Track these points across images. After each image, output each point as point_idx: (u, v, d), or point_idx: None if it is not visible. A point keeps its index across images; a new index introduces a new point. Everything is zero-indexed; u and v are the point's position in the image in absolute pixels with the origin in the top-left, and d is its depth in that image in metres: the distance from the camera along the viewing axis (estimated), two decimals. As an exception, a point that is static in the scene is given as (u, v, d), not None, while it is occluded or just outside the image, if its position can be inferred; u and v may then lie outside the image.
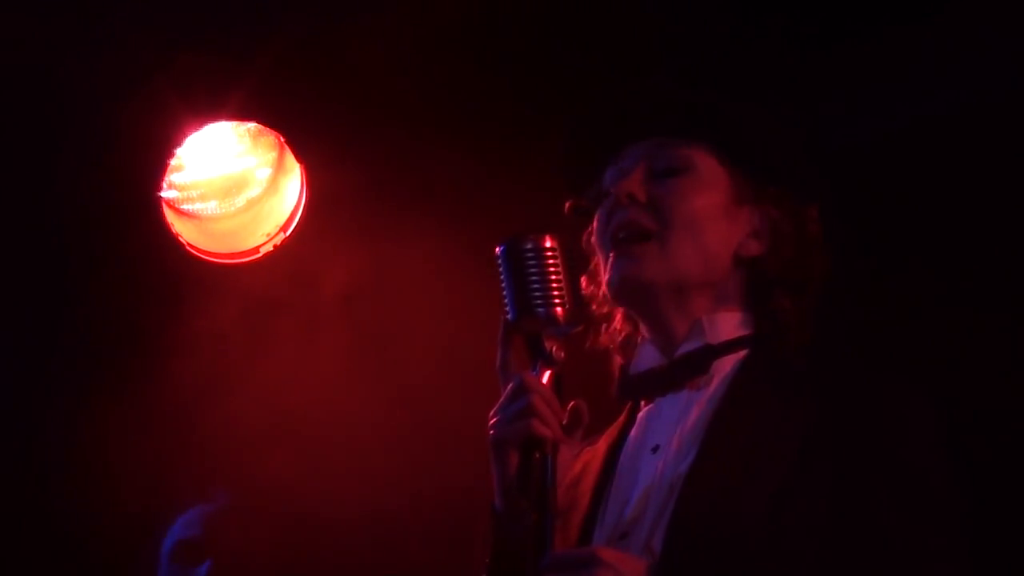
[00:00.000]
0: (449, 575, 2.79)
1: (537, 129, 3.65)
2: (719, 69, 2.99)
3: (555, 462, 2.58)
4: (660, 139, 2.82)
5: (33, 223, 4.29)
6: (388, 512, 4.43)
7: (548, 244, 2.65)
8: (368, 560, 4.47)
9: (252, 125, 4.33)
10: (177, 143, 4.23)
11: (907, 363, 2.81)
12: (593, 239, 2.83)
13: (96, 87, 4.05)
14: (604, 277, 2.76)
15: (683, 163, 2.80)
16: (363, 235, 4.30)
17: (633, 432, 2.76)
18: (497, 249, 2.67)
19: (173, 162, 4.27)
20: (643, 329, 2.82)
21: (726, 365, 2.73)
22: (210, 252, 4.38)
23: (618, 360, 2.87)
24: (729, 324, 2.76)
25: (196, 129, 4.23)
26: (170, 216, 4.31)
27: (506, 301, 2.66)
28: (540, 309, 2.64)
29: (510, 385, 2.62)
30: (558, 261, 2.65)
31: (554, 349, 2.65)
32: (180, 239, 4.32)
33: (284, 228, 4.39)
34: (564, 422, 2.62)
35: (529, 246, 2.65)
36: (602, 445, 2.80)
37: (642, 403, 2.80)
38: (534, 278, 2.64)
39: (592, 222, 2.85)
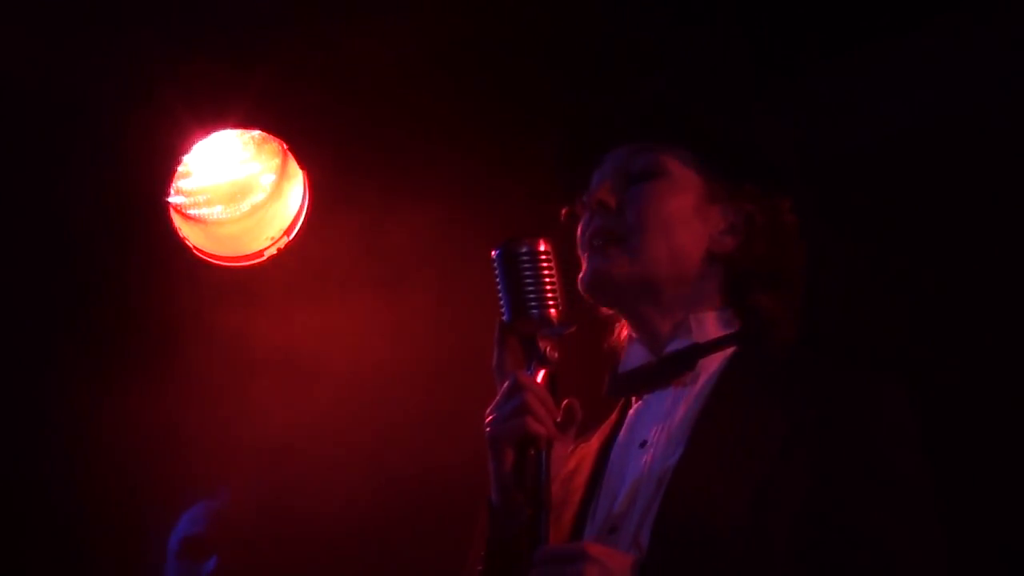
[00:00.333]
0: (450, 570, 2.78)
1: (538, 135, 3.66)
2: (712, 84, 2.99)
3: (549, 458, 2.58)
4: (636, 145, 2.82)
5: (48, 226, 4.29)
6: (391, 509, 4.42)
7: (542, 248, 2.66)
8: (371, 556, 4.47)
9: (256, 133, 4.33)
10: (184, 150, 4.23)
11: (887, 361, 2.79)
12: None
13: (107, 97, 4.06)
14: (579, 276, 2.76)
15: (655, 167, 2.79)
16: (364, 239, 4.30)
17: (623, 429, 2.77)
18: (493, 253, 2.68)
19: (180, 169, 4.28)
20: (629, 328, 2.82)
21: (713, 363, 2.73)
22: (216, 255, 4.38)
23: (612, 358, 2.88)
24: (715, 322, 2.76)
25: (202, 137, 4.23)
26: (177, 220, 4.32)
27: (502, 303, 2.66)
28: (534, 310, 2.64)
29: (506, 384, 2.62)
30: (552, 264, 2.65)
31: (548, 349, 2.65)
32: (187, 243, 4.33)
33: (287, 232, 4.40)
34: (558, 420, 2.62)
35: (524, 250, 2.65)
36: (595, 441, 2.80)
37: (633, 400, 2.80)
38: (529, 281, 2.64)
39: None
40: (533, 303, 2.64)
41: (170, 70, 4.07)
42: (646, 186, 2.78)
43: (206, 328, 4.33)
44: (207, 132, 4.24)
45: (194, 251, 4.34)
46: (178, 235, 4.31)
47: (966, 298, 3.95)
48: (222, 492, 4.39)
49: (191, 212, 4.36)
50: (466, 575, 2.68)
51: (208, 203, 4.39)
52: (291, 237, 4.38)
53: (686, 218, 2.77)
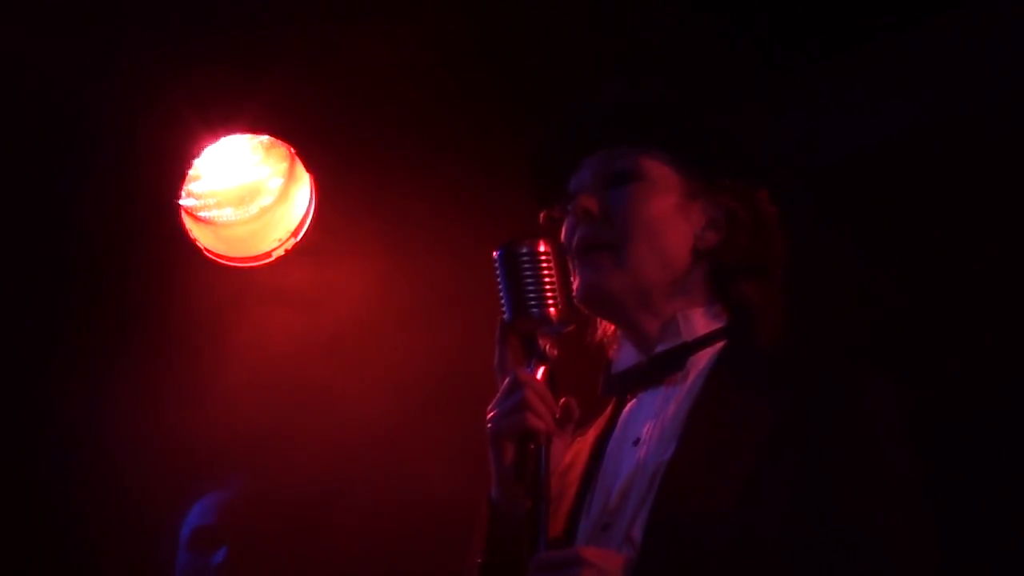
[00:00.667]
0: (454, 561, 2.78)
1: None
2: (685, 83, 2.97)
3: (548, 453, 2.58)
4: (612, 149, 2.80)
5: (62, 228, 4.30)
6: (399, 500, 4.41)
7: (542, 248, 2.66)
8: (381, 547, 4.46)
9: (265, 137, 4.33)
10: (195, 155, 4.24)
11: (874, 357, 2.78)
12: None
13: (120, 103, 4.06)
14: (573, 286, 2.74)
15: (633, 170, 2.77)
16: (369, 240, 4.30)
17: (618, 426, 2.76)
18: (494, 253, 2.68)
19: (191, 172, 4.28)
20: (620, 330, 2.81)
21: (701, 360, 2.72)
22: (225, 256, 4.38)
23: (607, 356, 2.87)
24: (702, 319, 2.75)
25: (212, 141, 4.24)
26: (188, 222, 4.32)
27: (503, 302, 2.67)
28: (534, 309, 2.65)
29: (506, 381, 2.62)
30: (551, 264, 2.66)
31: (547, 347, 2.66)
32: (197, 244, 4.33)
33: (295, 234, 4.40)
34: (557, 416, 2.62)
35: (524, 250, 2.66)
36: (590, 437, 2.80)
37: (627, 397, 2.79)
38: (529, 280, 2.65)
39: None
40: (533, 302, 2.64)
41: (181, 76, 4.07)
42: (627, 190, 2.76)
43: (215, 325, 4.33)
44: (217, 137, 4.24)
45: (204, 252, 4.34)
46: (189, 236, 4.31)
47: (960, 298, 3.94)
48: (232, 483, 4.38)
49: (201, 214, 4.36)
50: (466, 566, 2.67)
51: (218, 206, 4.39)
52: (298, 238, 4.38)
53: (669, 219, 2.76)
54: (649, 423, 2.68)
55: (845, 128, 4.13)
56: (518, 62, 4.07)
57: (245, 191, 4.40)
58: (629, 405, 2.76)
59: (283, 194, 4.41)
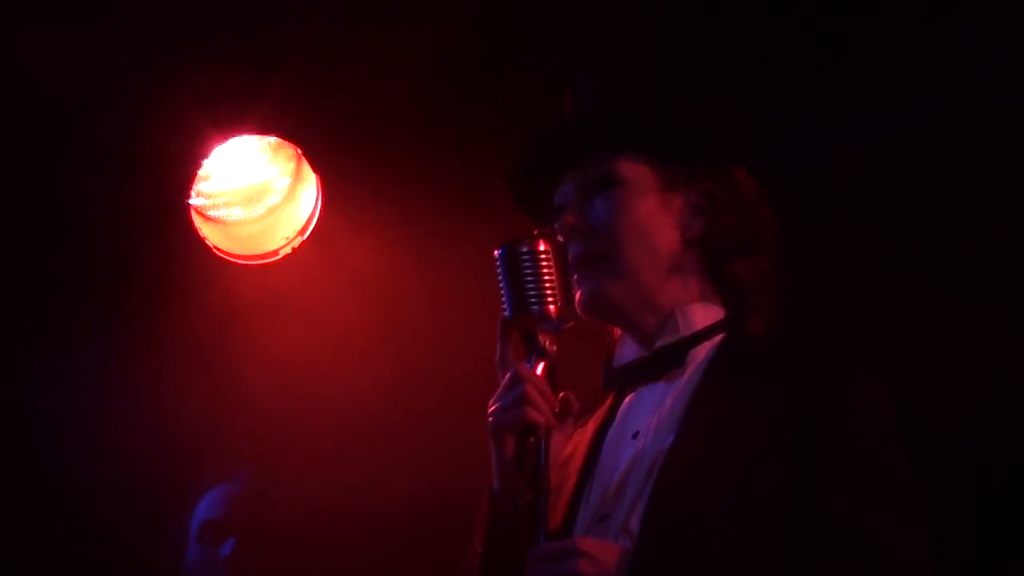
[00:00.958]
0: (456, 554, 2.78)
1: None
2: (647, 81, 2.95)
3: (548, 446, 2.58)
4: (587, 157, 2.79)
5: (77, 227, 4.30)
6: (406, 497, 4.40)
7: (542, 247, 2.66)
8: (385, 543, 4.45)
9: (272, 139, 4.34)
10: (204, 156, 4.24)
11: (867, 354, 2.78)
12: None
13: (132, 106, 4.06)
14: (575, 297, 2.73)
15: (610, 175, 2.77)
16: (373, 238, 4.30)
17: (617, 419, 2.76)
18: (495, 252, 2.68)
19: (201, 173, 4.28)
20: (621, 329, 2.81)
21: (700, 353, 2.72)
22: (234, 254, 4.39)
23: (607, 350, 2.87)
24: (700, 313, 2.75)
25: (221, 142, 4.23)
26: (198, 221, 4.33)
27: (504, 299, 2.67)
28: (534, 307, 2.65)
29: (507, 376, 2.62)
30: (551, 263, 2.65)
31: (547, 343, 2.66)
32: (207, 242, 4.34)
33: (301, 232, 4.40)
34: (556, 410, 2.62)
35: (524, 249, 2.66)
36: (590, 429, 2.79)
37: (628, 391, 2.78)
38: (529, 279, 2.65)
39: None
40: (533, 300, 2.64)
41: (191, 80, 4.08)
42: (608, 197, 2.76)
43: (223, 321, 4.33)
44: (226, 138, 4.24)
45: (213, 250, 4.35)
46: (199, 235, 4.32)
47: (950, 296, 3.94)
48: (240, 477, 4.38)
49: (211, 213, 4.37)
50: (468, 557, 2.67)
51: (227, 205, 4.39)
52: (305, 237, 4.38)
53: (654, 217, 2.75)
54: (648, 417, 2.68)
55: (839, 130, 4.12)
56: (522, 66, 4.06)
57: (253, 191, 4.40)
58: (628, 399, 2.76)
59: (290, 194, 4.41)
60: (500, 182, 2.94)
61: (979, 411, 3.84)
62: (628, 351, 2.79)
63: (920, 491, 2.56)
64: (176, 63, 4.06)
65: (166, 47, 4.04)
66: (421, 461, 4.34)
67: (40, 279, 4.39)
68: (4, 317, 4.45)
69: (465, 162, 4.14)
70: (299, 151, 4.34)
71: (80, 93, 4.05)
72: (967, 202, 3.93)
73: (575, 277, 2.73)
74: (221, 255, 4.36)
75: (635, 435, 2.67)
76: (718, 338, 2.73)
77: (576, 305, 2.73)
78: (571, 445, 2.76)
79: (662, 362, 2.72)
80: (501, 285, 2.67)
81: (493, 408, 2.61)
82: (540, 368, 2.63)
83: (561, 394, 2.66)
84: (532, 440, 2.57)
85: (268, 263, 4.40)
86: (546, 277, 2.64)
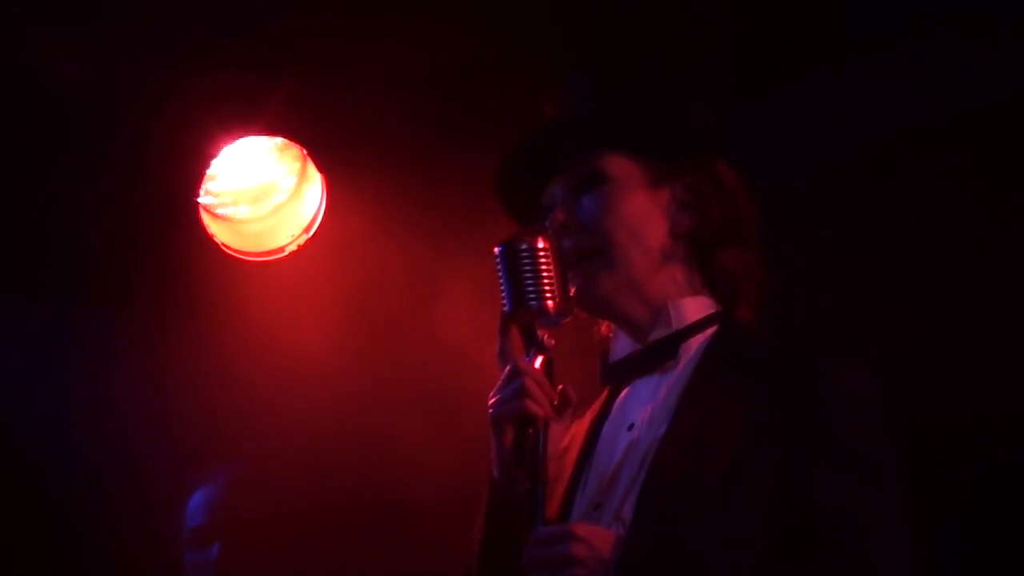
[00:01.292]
0: (453, 544, 2.78)
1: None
2: (625, 82, 2.95)
3: (546, 437, 2.58)
4: (573, 158, 2.78)
5: (91, 223, 4.30)
6: (396, 495, 4.40)
7: (541, 244, 2.66)
8: (374, 537, 4.44)
9: (279, 139, 4.33)
10: (213, 156, 4.24)
11: (856, 346, 2.77)
12: None
13: (144, 108, 4.07)
14: (571, 293, 2.73)
15: (597, 173, 2.77)
16: (376, 236, 4.31)
17: (613, 411, 2.76)
18: (496, 249, 2.68)
19: (209, 172, 4.28)
20: (616, 324, 2.82)
21: (692, 346, 2.72)
22: (241, 251, 4.39)
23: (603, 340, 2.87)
24: (692, 306, 2.75)
25: (230, 143, 4.24)
26: (206, 219, 4.33)
27: (503, 295, 2.67)
28: (533, 302, 2.64)
29: (507, 369, 2.62)
30: (549, 259, 2.65)
31: (545, 337, 2.66)
32: (215, 239, 4.34)
33: (307, 230, 4.40)
34: (554, 402, 2.62)
35: (524, 246, 2.65)
36: (586, 421, 2.80)
37: (624, 385, 2.79)
38: (528, 275, 2.64)
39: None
40: (532, 295, 2.64)
41: (200, 83, 4.08)
42: (596, 195, 2.76)
43: (230, 315, 4.33)
44: (234, 139, 4.24)
45: (221, 247, 4.35)
46: (207, 232, 4.32)
47: (938, 292, 3.94)
48: (219, 476, 4.35)
49: (219, 211, 4.36)
50: (468, 545, 2.68)
51: (234, 203, 4.39)
52: (310, 234, 4.38)
53: (643, 212, 2.76)
54: (643, 408, 2.68)
55: (838, 128, 4.12)
56: (514, 69, 4.06)
57: (260, 190, 4.40)
58: (624, 392, 2.76)
59: (296, 193, 4.41)
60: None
61: (974, 405, 3.84)
62: (622, 346, 2.79)
63: (906, 479, 2.56)
64: (185, 67, 4.06)
65: (176, 52, 4.04)
66: (423, 456, 4.33)
67: (54, 273, 4.40)
68: (17, 310, 4.46)
69: (466, 162, 4.12)
70: (305, 151, 4.34)
71: (94, 96, 4.06)
72: (960, 200, 3.92)
73: (569, 272, 2.73)
74: (228, 252, 4.36)
75: (630, 427, 2.68)
76: (710, 331, 2.74)
77: (573, 299, 2.73)
78: (569, 436, 2.76)
79: (656, 355, 2.72)
80: (501, 281, 2.66)
81: (493, 400, 2.61)
82: (539, 362, 2.63)
83: (559, 387, 2.66)
84: (531, 431, 2.57)
85: (274, 259, 4.41)
86: (544, 273, 2.64)
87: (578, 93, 2.83)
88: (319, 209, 4.39)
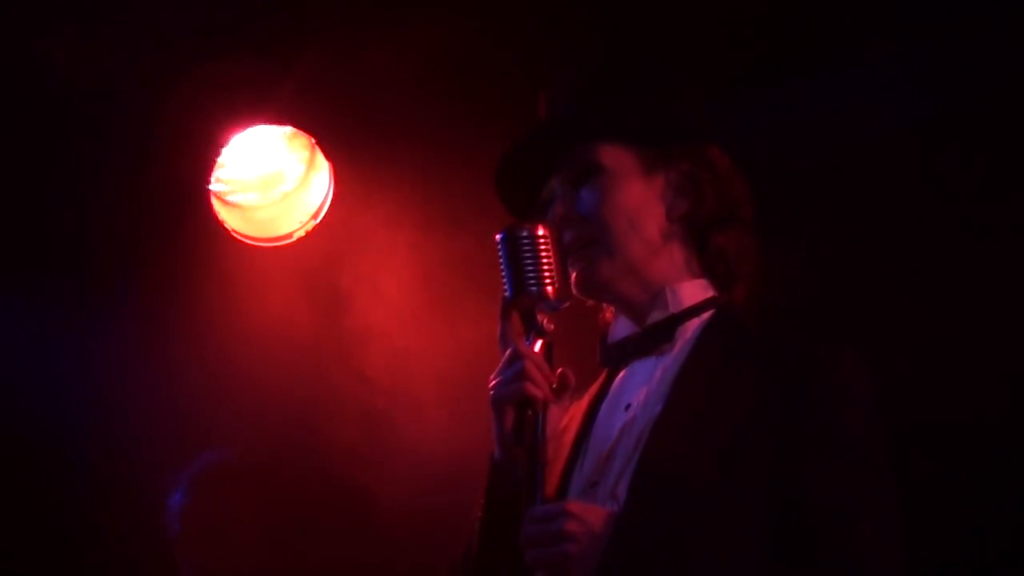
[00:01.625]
0: (450, 527, 2.79)
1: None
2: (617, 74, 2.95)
3: (545, 418, 2.59)
4: (568, 154, 2.79)
5: (106, 210, 4.31)
6: (411, 477, 4.38)
7: (541, 232, 2.67)
8: (384, 531, 4.43)
9: (288, 129, 4.34)
10: (224, 144, 4.24)
11: (847, 333, 2.78)
12: None
13: (158, 98, 4.08)
14: (571, 279, 2.75)
15: (594, 164, 2.77)
16: (382, 223, 4.31)
17: (610, 393, 2.77)
18: (497, 236, 2.69)
19: (220, 160, 4.28)
20: (615, 307, 2.83)
21: (689, 329, 2.72)
22: (251, 236, 4.40)
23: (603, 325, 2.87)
24: (688, 290, 2.76)
25: (240, 132, 4.24)
26: (217, 206, 4.34)
27: (504, 281, 2.68)
28: (533, 288, 2.66)
29: (507, 352, 2.63)
30: (549, 247, 2.67)
31: (545, 322, 2.67)
32: (225, 225, 4.35)
33: (314, 216, 4.41)
34: (553, 385, 2.63)
35: (524, 234, 2.67)
36: (584, 402, 2.81)
37: (621, 366, 2.79)
38: (528, 261, 2.66)
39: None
40: (532, 281, 2.65)
41: (212, 74, 4.09)
42: (594, 186, 2.76)
43: (240, 298, 4.34)
44: (244, 128, 4.24)
45: (231, 233, 4.36)
46: (217, 218, 4.33)
47: (923, 283, 3.94)
48: (186, 485, 4.31)
49: (229, 198, 4.37)
50: (469, 522, 2.69)
51: (244, 190, 4.40)
52: (317, 221, 4.39)
53: (639, 199, 2.76)
54: (639, 389, 2.69)
55: (828, 126, 4.12)
56: (517, 63, 4.06)
57: (269, 178, 4.40)
58: (622, 373, 2.77)
59: (304, 180, 4.42)
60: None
61: (961, 393, 3.84)
62: (621, 328, 2.80)
63: (893, 463, 2.57)
64: (196, 58, 4.07)
65: (188, 44, 4.06)
66: (427, 439, 4.32)
67: (70, 258, 4.41)
68: (32, 293, 4.47)
69: (469, 151, 4.13)
70: (313, 140, 4.35)
71: (108, 87, 4.07)
72: (954, 196, 3.93)
73: (569, 260, 2.74)
74: (238, 237, 4.37)
75: (627, 407, 2.69)
76: (706, 315, 2.74)
77: (571, 286, 2.75)
78: (567, 417, 2.77)
79: (653, 338, 2.73)
80: (502, 267, 2.68)
81: (494, 382, 2.62)
82: (538, 345, 2.64)
83: (558, 370, 2.67)
84: (530, 413, 2.58)
85: (282, 245, 4.41)
86: (544, 260, 2.65)
87: (571, 88, 2.83)
88: (326, 197, 4.39)
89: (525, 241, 2.65)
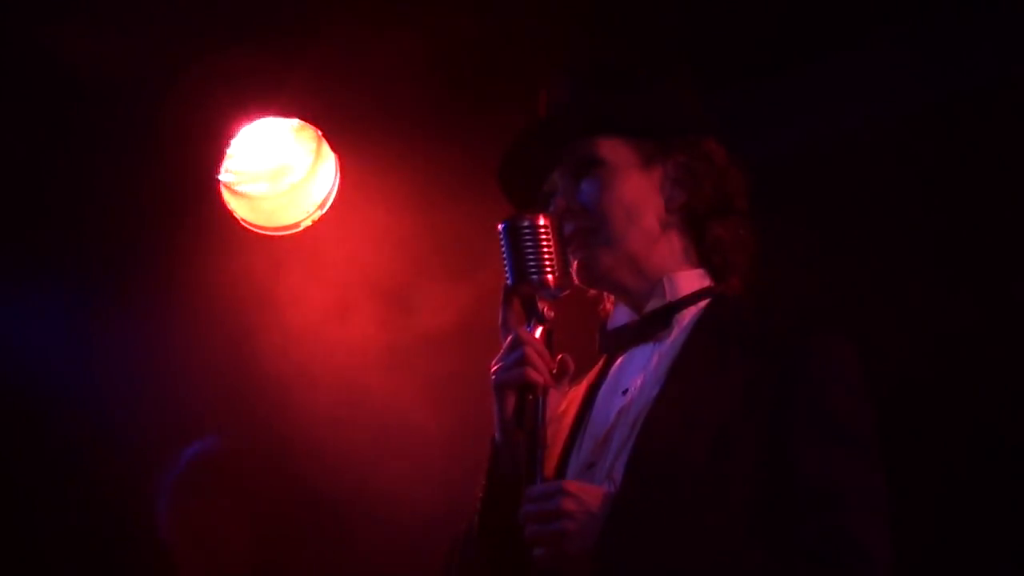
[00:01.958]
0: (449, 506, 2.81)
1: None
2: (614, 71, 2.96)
3: (545, 403, 2.61)
4: (569, 148, 2.81)
5: (119, 199, 4.32)
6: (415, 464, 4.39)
7: (542, 222, 2.69)
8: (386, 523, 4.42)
9: (295, 121, 4.35)
10: (233, 136, 4.26)
11: (836, 318, 2.79)
12: None
13: (170, 92, 4.08)
14: (572, 269, 2.77)
15: (594, 157, 2.78)
16: (386, 213, 4.32)
17: (608, 377, 2.79)
18: (499, 226, 2.71)
19: (229, 152, 4.30)
20: (615, 295, 2.85)
21: (686, 317, 2.74)
22: (259, 225, 4.40)
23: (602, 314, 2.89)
24: (686, 279, 2.78)
25: (249, 125, 4.25)
26: (227, 196, 4.34)
27: (506, 269, 2.70)
28: (534, 276, 2.67)
29: (509, 338, 2.65)
30: (550, 236, 2.68)
31: (545, 309, 2.69)
32: (235, 215, 4.36)
33: (321, 207, 4.42)
34: (553, 370, 2.65)
35: (526, 223, 2.68)
36: (583, 387, 2.83)
37: (619, 353, 2.82)
38: (529, 250, 2.67)
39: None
40: (533, 269, 2.67)
41: (222, 68, 4.10)
42: (594, 178, 2.78)
43: (250, 286, 4.35)
44: (253, 121, 4.26)
45: (240, 222, 4.37)
46: (227, 208, 4.34)
47: (906, 271, 3.95)
48: (169, 484, 4.31)
49: (238, 188, 4.37)
50: (470, 503, 2.71)
51: (253, 181, 4.40)
52: (324, 210, 4.40)
53: (638, 192, 2.78)
54: (637, 374, 2.71)
55: (812, 120, 4.13)
56: (520, 56, 4.06)
57: (277, 168, 4.41)
58: (620, 359, 2.79)
59: (311, 171, 4.43)
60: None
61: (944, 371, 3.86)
62: (620, 316, 2.82)
63: (883, 445, 2.59)
64: (207, 54, 4.08)
65: (198, 40, 4.07)
66: (426, 433, 4.33)
67: (84, 246, 4.42)
68: (44, 280, 4.48)
69: (470, 143, 4.14)
70: (319, 133, 4.36)
71: (122, 80, 4.08)
72: (945, 185, 3.94)
73: (570, 250, 2.76)
74: (247, 226, 4.38)
75: (624, 392, 2.71)
76: (703, 303, 2.76)
77: (573, 275, 2.77)
78: (566, 401, 2.79)
79: (651, 325, 2.75)
80: (504, 256, 2.69)
81: (496, 368, 2.64)
82: (539, 332, 2.66)
83: (558, 356, 2.69)
84: (531, 397, 2.60)
85: (290, 234, 4.43)
86: (545, 249, 2.67)
87: (571, 84, 2.84)
88: (332, 187, 4.41)
89: (526, 231, 2.67)
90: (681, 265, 2.79)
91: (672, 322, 2.74)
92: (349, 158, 4.38)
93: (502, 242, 2.70)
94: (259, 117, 4.26)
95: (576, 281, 2.78)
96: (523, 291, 2.69)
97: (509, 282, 2.70)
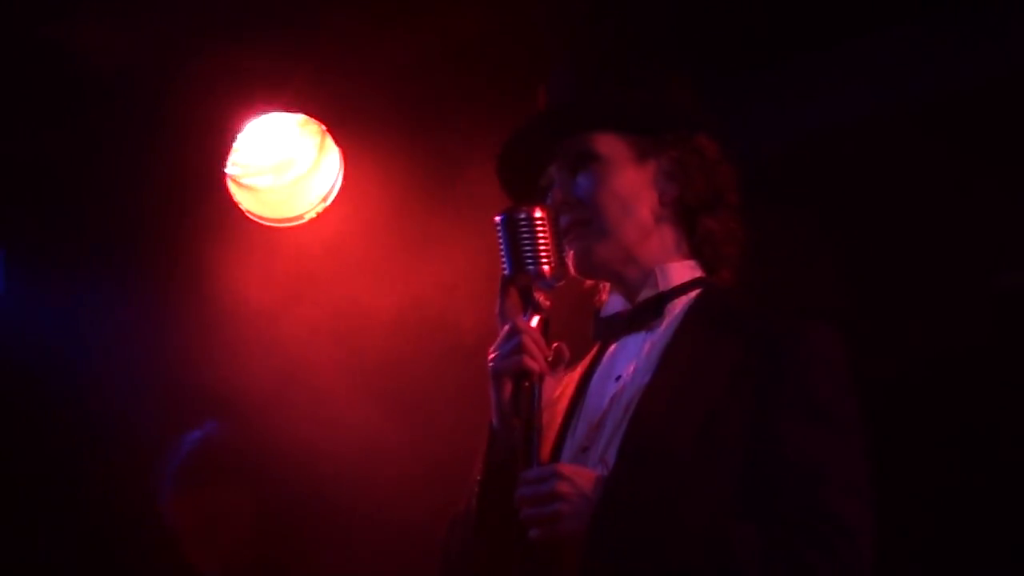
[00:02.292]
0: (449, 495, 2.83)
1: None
2: (611, 67, 2.97)
3: (541, 389, 2.64)
4: (566, 140, 2.82)
5: (127, 191, 4.34)
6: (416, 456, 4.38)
7: (538, 214, 2.71)
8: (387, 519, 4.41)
9: (300, 116, 4.36)
10: (239, 130, 4.27)
11: (823, 311, 2.81)
12: None
13: (178, 85, 4.11)
14: (568, 259, 2.78)
15: (589, 151, 2.80)
16: (389, 206, 4.33)
17: (602, 364, 2.81)
18: (497, 218, 2.73)
19: (235, 145, 4.31)
20: (609, 284, 2.87)
21: (677, 306, 2.76)
22: (264, 217, 4.41)
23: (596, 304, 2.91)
24: (677, 270, 2.79)
25: (254, 119, 4.27)
26: (233, 188, 4.36)
27: (504, 260, 2.72)
28: (531, 267, 2.70)
29: (506, 327, 2.68)
30: (546, 228, 2.71)
31: (542, 299, 2.71)
32: (241, 207, 4.37)
33: (324, 199, 4.43)
34: (549, 358, 2.68)
35: (523, 215, 2.71)
36: (577, 373, 2.85)
37: (612, 340, 2.83)
38: (526, 241, 2.70)
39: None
40: (530, 260, 2.69)
41: (230, 63, 4.11)
42: (589, 172, 2.79)
43: (254, 275, 4.37)
44: (259, 115, 4.27)
45: (246, 214, 4.38)
46: (233, 200, 4.36)
47: (892, 264, 3.97)
48: (165, 479, 4.29)
49: (244, 181, 4.39)
50: (468, 487, 2.73)
51: (258, 174, 4.41)
52: (328, 203, 4.42)
53: (632, 185, 2.79)
54: (629, 361, 2.73)
55: (797, 116, 4.14)
56: (522, 53, 4.07)
57: (282, 162, 4.42)
58: (613, 347, 2.80)
59: (315, 165, 4.44)
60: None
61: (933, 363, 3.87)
62: (614, 305, 2.84)
63: (867, 433, 2.60)
64: (215, 49, 4.09)
65: (205, 37, 4.08)
66: (430, 413, 4.34)
67: (93, 237, 4.43)
68: (52, 271, 4.50)
69: (471, 138, 4.15)
70: (324, 127, 4.37)
71: (131, 75, 4.09)
72: (928, 182, 3.95)
73: (566, 241, 2.78)
74: (253, 218, 4.39)
75: (617, 378, 2.73)
76: (693, 293, 2.78)
77: (569, 266, 2.79)
78: (561, 387, 2.80)
79: (643, 314, 2.76)
80: (502, 247, 2.71)
81: (493, 355, 2.66)
82: (535, 321, 2.68)
83: (554, 344, 2.71)
84: (527, 384, 2.62)
85: (294, 226, 4.44)
86: (541, 240, 2.69)
87: (568, 80, 2.86)
88: (336, 180, 4.42)
89: (523, 222, 2.69)
90: (673, 257, 2.81)
91: (664, 311, 2.75)
92: (353, 152, 4.39)
93: (499, 233, 2.72)
94: (265, 111, 4.27)
95: (572, 271, 2.80)
96: (520, 281, 2.71)
97: (506, 272, 2.72)
